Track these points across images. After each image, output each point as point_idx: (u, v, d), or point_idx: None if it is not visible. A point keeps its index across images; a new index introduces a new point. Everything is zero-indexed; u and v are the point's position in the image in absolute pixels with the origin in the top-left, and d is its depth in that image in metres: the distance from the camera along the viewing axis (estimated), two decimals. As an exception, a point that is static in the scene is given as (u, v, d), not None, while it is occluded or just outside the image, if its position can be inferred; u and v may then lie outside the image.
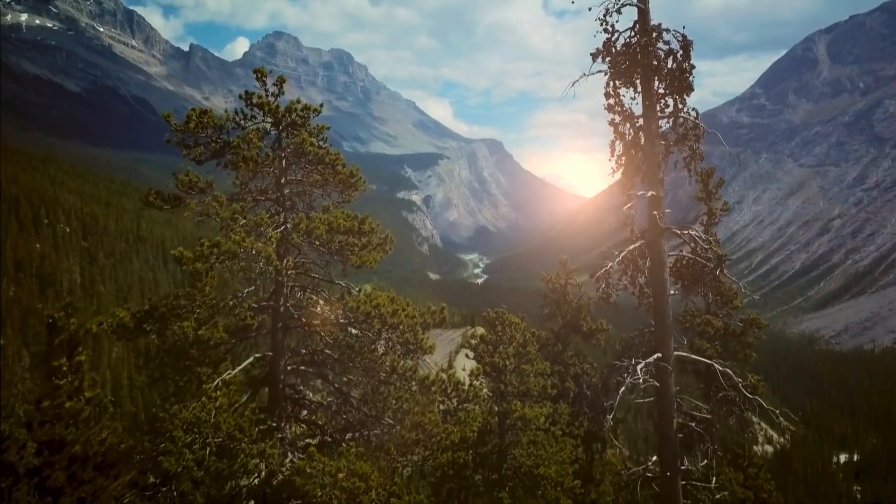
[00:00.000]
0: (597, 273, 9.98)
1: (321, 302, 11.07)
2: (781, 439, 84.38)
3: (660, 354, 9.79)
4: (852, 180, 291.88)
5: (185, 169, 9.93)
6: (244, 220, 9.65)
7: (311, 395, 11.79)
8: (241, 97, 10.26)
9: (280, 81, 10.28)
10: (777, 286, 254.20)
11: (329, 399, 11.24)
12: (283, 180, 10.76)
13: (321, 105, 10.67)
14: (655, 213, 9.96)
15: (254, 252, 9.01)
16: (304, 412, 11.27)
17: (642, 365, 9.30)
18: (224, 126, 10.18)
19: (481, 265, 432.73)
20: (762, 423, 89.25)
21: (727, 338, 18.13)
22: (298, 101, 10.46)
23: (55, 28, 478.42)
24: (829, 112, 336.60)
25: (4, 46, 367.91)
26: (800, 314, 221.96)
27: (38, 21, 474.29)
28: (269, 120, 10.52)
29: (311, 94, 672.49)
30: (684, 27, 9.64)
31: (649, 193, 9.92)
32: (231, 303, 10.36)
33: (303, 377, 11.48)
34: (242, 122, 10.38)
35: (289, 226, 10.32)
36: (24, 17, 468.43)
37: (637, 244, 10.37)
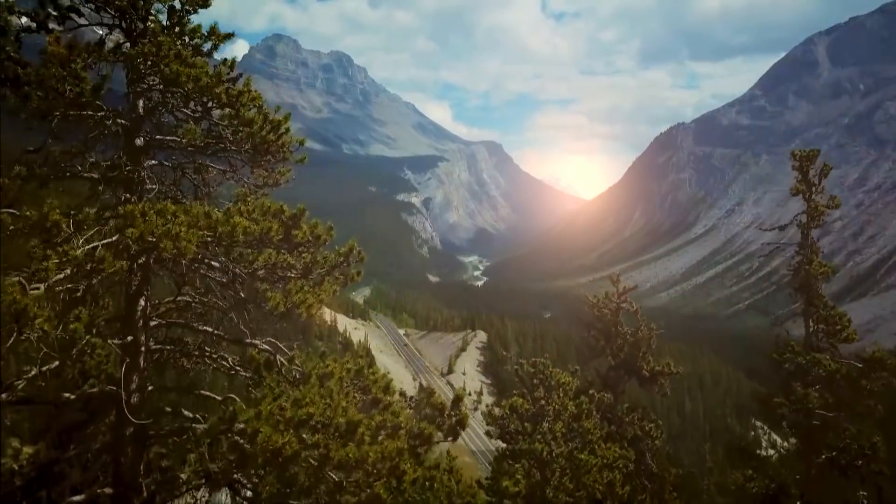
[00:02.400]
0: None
1: (228, 369, 6.63)
2: (785, 443, 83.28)
3: None
4: (853, 182, 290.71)
5: None
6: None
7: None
8: None
9: None
10: (778, 288, 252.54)
11: None
12: (138, 140, 6.12)
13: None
14: None
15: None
16: None
17: None
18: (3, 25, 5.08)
19: (481, 267, 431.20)
20: (765, 427, 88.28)
21: (838, 382, 13.20)
22: None
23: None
24: (829, 114, 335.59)
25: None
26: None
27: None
28: (110, 14, 5.76)
29: (310, 97, 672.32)
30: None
31: None
32: (6, 397, 5.20)
33: None
34: (52, 20, 5.55)
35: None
36: (22, 20, 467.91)
37: None
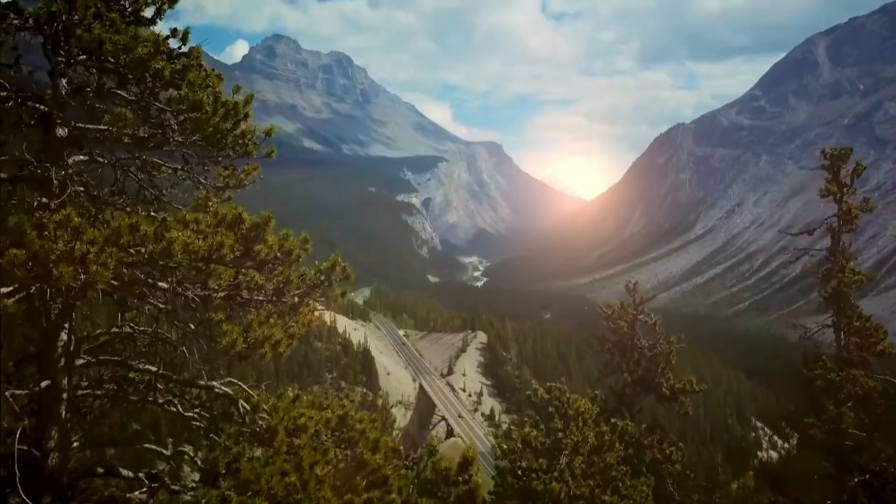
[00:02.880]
0: None
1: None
2: (787, 445, 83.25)
3: None
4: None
5: None
6: None
7: None
8: None
9: None
10: (779, 289, 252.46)
11: None
12: (59, 130, 4.89)
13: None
14: None
15: None
16: None
17: None
18: None
19: (481, 268, 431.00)
20: (766, 429, 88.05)
21: (874, 400, 11.81)
22: None
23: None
24: (829, 114, 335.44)
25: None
26: (802, 317, 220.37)
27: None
28: None
29: (310, 97, 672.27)
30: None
31: None
32: None
33: None
34: None
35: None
36: None
37: None
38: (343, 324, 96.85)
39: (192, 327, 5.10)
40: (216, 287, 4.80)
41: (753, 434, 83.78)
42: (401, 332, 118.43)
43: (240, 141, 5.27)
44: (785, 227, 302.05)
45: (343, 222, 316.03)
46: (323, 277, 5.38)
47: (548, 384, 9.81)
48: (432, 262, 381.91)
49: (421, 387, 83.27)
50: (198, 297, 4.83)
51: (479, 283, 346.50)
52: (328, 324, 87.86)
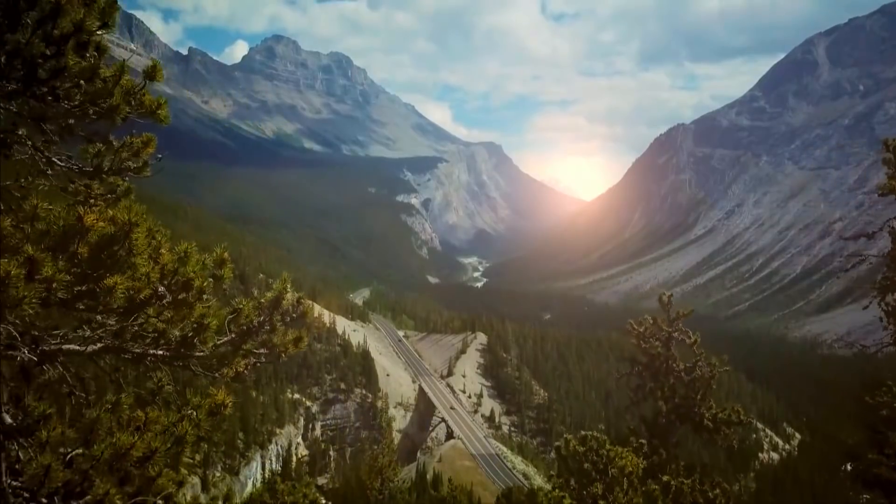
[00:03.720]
0: None
1: None
2: (787, 446, 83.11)
3: None
4: (853, 183, 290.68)
5: None
6: None
7: None
8: None
9: None
10: (778, 289, 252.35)
11: None
12: None
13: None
14: None
15: None
16: None
17: None
18: None
19: (481, 269, 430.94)
20: (767, 430, 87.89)
21: None
22: None
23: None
24: (829, 115, 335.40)
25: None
26: (802, 318, 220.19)
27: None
28: None
29: (310, 98, 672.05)
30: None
31: None
32: None
33: None
34: None
35: None
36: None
37: None
38: (342, 325, 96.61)
39: (9, 420, 2.87)
40: (94, 336, 2.87)
41: (754, 435, 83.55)
42: (400, 333, 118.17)
43: (88, 88, 2.88)
44: (785, 227, 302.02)
45: (343, 223, 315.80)
46: (263, 318, 3.36)
47: (582, 433, 8.19)
48: (432, 262, 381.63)
49: (421, 388, 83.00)
50: (31, 356, 2.75)
51: (479, 284, 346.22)
52: (327, 325, 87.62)
